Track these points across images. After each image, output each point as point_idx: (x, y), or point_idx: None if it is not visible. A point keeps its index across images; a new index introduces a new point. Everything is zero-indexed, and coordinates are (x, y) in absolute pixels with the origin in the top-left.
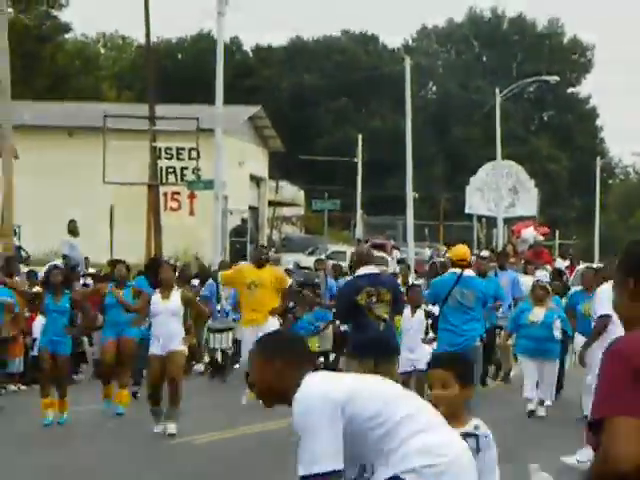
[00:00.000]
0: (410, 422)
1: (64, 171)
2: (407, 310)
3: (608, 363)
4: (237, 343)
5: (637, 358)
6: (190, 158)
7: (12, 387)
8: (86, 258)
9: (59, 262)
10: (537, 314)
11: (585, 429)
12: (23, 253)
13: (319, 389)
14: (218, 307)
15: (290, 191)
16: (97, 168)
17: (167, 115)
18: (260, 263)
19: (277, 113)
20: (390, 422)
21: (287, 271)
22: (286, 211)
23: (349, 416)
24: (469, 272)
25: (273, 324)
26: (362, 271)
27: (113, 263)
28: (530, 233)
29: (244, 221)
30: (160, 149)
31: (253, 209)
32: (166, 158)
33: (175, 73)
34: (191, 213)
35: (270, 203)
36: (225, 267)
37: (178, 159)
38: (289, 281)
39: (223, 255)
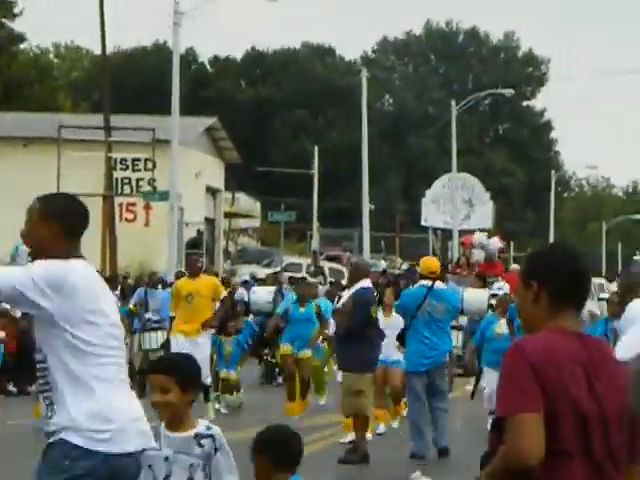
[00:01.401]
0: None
1: (18, 182)
2: None
3: (508, 361)
4: (168, 345)
5: (535, 356)
6: (146, 169)
7: None
8: None
9: None
10: (502, 326)
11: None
12: None
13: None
14: (146, 316)
15: (246, 203)
16: (52, 179)
17: (123, 126)
18: (194, 272)
19: (233, 125)
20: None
21: (244, 283)
22: (242, 223)
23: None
24: (440, 284)
25: (205, 338)
26: (366, 284)
27: None
28: (480, 235)
29: (200, 233)
30: (115, 160)
31: (209, 221)
32: (121, 169)
33: (131, 83)
34: (146, 224)
35: (226, 215)
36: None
37: (134, 170)
38: (224, 291)
39: (178, 267)
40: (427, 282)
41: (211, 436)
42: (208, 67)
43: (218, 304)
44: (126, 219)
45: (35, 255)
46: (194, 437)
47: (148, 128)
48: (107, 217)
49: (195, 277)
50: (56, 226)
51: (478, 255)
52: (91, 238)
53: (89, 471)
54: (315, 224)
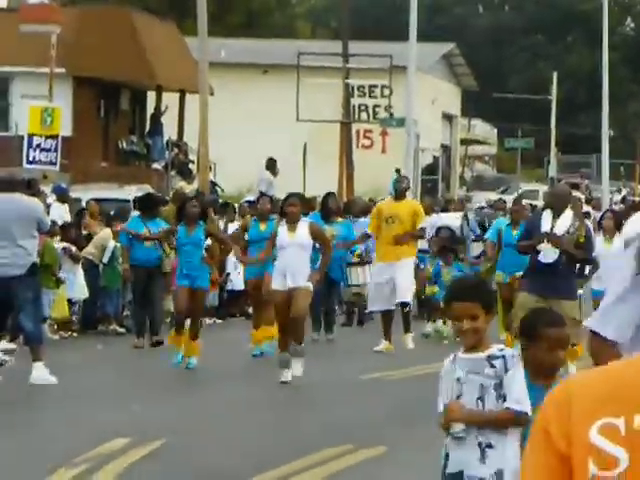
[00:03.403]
0: None
1: (258, 108)
2: None
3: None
4: None
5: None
6: (382, 96)
7: (207, 320)
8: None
9: (252, 198)
10: None
11: None
12: (218, 189)
13: None
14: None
15: (483, 129)
16: (291, 105)
17: (360, 52)
18: (400, 195)
19: (471, 51)
20: None
21: (480, 209)
22: (478, 149)
23: None
24: None
25: (407, 264)
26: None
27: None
28: None
29: (435, 159)
30: (353, 87)
31: (445, 147)
32: (359, 96)
33: (369, 10)
34: (383, 151)
35: (462, 141)
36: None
37: (371, 96)
38: (423, 223)
39: (414, 192)
40: None
41: (503, 357)
42: None
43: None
44: (363, 145)
45: None
46: (486, 358)
47: (385, 54)
48: (344, 144)
49: (399, 200)
50: None
51: None
52: (329, 165)
53: None
54: (553, 150)
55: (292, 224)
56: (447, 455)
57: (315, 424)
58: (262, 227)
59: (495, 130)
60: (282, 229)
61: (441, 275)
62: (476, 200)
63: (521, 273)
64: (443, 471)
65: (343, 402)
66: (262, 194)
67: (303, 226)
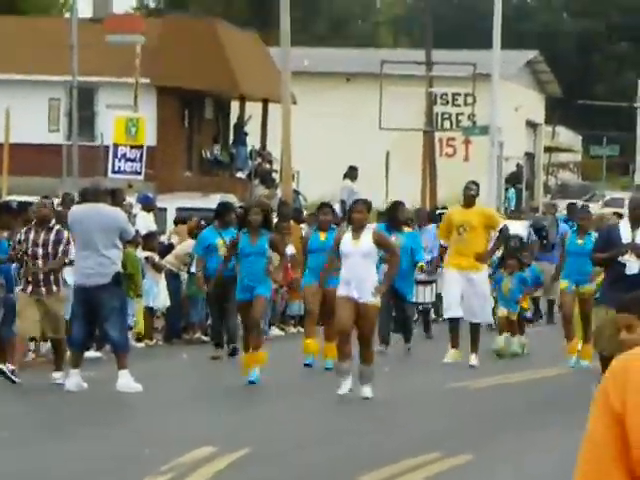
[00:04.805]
0: None
1: (341, 117)
2: None
3: None
4: (440, 297)
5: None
6: (466, 104)
7: (292, 329)
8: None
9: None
10: None
11: None
12: (301, 198)
13: None
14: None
15: (567, 137)
16: (374, 114)
17: (443, 60)
18: (468, 202)
19: (555, 58)
20: None
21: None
22: (563, 157)
23: None
24: None
25: (483, 274)
26: None
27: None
28: None
29: (519, 167)
30: (436, 95)
31: (529, 155)
32: (442, 104)
33: (451, 18)
34: (466, 159)
35: (546, 149)
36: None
37: (454, 105)
38: (502, 221)
39: (498, 201)
40: None
41: None
42: (529, 0)
43: (494, 235)
44: (446, 154)
45: None
46: None
47: (468, 62)
48: (427, 152)
49: (469, 207)
50: None
51: None
52: (412, 173)
53: None
54: (638, 157)
55: (357, 231)
56: None
57: (400, 433)
58: (322, 237)
59: (579, 137)
60: (347, 236)
61: (501, 284)
62: (562, 208)
63: (589, 286)
64: None
65: (426, 411)
66: (342, 202)
67: (367, 233)
